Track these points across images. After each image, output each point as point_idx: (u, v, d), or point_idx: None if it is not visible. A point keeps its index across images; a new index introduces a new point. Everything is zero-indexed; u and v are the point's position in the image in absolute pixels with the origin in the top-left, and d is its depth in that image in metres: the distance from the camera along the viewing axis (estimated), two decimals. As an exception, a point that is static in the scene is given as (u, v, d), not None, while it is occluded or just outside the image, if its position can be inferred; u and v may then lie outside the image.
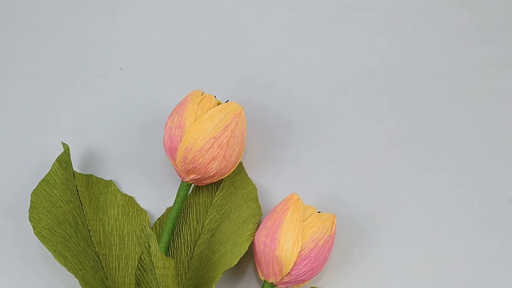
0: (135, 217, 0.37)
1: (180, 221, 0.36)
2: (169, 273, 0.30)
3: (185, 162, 0.34)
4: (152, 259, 0.31)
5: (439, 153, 0.38)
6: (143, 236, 0.31)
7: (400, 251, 0.36)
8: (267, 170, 0.38)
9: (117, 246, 0.36)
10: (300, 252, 0.31)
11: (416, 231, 0.36)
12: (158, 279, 0.30)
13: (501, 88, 0.39)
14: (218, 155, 0.33)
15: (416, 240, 0.36)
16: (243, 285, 0.35)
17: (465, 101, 0.39)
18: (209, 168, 0.34)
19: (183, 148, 0.33)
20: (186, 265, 0.35)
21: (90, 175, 0.37)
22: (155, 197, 0.38)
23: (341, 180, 0.37)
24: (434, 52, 0.40)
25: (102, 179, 0.37)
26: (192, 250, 0.35)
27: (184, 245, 0.36)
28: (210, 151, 0.33)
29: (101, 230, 0.36)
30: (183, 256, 0.35)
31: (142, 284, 0.32)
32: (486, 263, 0.35)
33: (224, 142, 0.33)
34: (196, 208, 0.37)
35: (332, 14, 0.41)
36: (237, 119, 0.34)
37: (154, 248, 0.30)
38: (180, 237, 0.36)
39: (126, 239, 0.36)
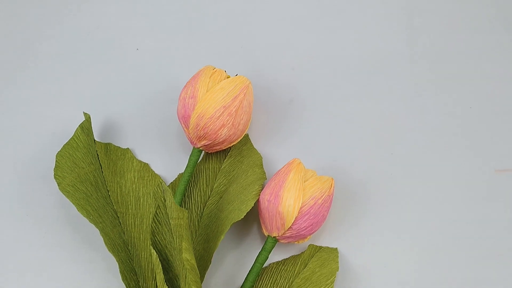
0: (149, 180, 0.40)
1: (191, 185, 0.39)
2: (182, 222, 0.33)
3: (197, 128, 0.37)
4: (168, 211, 0.34)
5: (430, 129, 0.41)
6: (159, 191, 0.34)
7: (391, 215, 0.39)
8: (271, 142, 0.41)
9: (133, 206, 0.39)
10: (301, 208, 0.35)
11: (407, 198, 0.39)
12: (173, 229, 0.34)
13: (488, 71, 0.43)
14: (228, 122, 0.37)
15: (406, 206, 0.39)
16: (248, 241, 0.38)
17: (454, 82, 0.42)
18: (219, 134, 0.37)
19: (196, 115, 0.37)
20: (196, 223, 0.38)
21: (108, 143, 0.41)
22: (168, 164, 0.41)
23: (339, 150, 0.41)
24: (428, 37, 0.44)
25: (119, 147, 0.41)
26: (201, 210, 0.39)
27: (194, 206, 0.39)
28: (220, 118, 0.37)
29: (118, 191, 0.39)
30: (193, 216, 0.39)
31: (157, 236, 0.35)
32: (472, 229, 0.39)
33: (233, 111, 0.37)
34: (206, 174, 0.40)
35: None
36: (245, 91, 0.37)
37: (169, 201, 0.34)
38: (191, 199, 0.39)
39: (142, 200, 0.39)
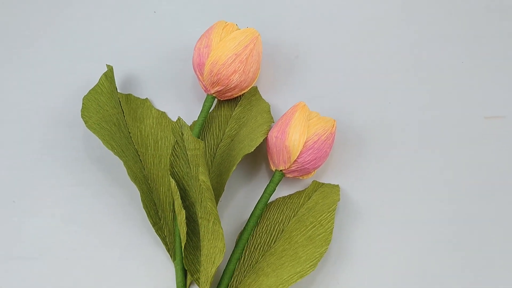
0: (166, 126, 0.43)
1: (205, 130, 0.43)
2: (199, 153, 0.36)
3: (211, 75, 0.40)
4: (185, 144, 0.37)
5: (423, 81, 0.45)
6: (178, 126, 0.38)
7: (388, 156, 0.42)
8: (278, 93, 0.45)
9: (152, 147, 0.42)
10: (305, 142, 0.38)
11: (402, 142, 0.43)
12: (190, 159, 0.37)
13: (478, 31, 0.46)
14: (239, 68, 0.40)
15: (402, 148, 0.43)
16: (257, 179, 0.41)
17: (447, 41, 0.46)
18: (231, 80, 0.41)
19: (210, 62, 0.40)
20: (210, 163, 0.42)
21: (129, 94, 0.44)
22: (183, 113, 0.44)
23: (341, 101, 0.44)
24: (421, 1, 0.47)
25: (139, 97, 0.44)
26: (214, 152, 0.42)
27: (208, 148, 0.42)
28: (232, 65, 0.40)
29: (138, 134, 0.42)
30: (207, 157, 0.42)
31: (175, 168, 0.38)
32: (462, 171, 0.42)
33: (244, 58, 0.40)
34: (218, 120, 0.43)
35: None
36: (255, 41, 0.41)
37: (186, 134, 0.37)
38: (205, 142, 0.43)
39: (160, 142, 0.43)
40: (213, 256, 0.35)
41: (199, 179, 0.36)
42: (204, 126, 0.43)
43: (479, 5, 0.47)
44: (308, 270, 0.36)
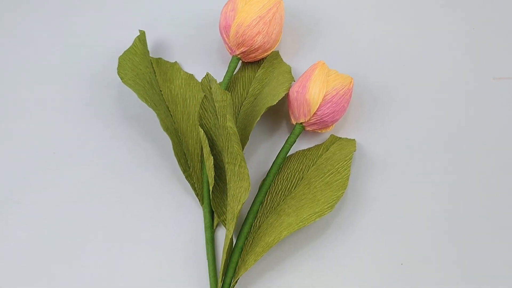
0: (194, 86, 0.46)
1: (230, 90, 0.46)
2: (226, 104, 0.39)
3: (237, 36, 0.44)
4: (213, 96, 0.40)
5: (436, 46, 0.48)
6: (206, 80, 0.41)
7: (402, 114, 0.45)
8: (298, 57, 0.48)
9: (181, 105, 0.45)
10: (324, 96, 0.41)
11: (415, 102, 0.46)
12: (217, 110, 0.40)
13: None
14: (262, 30, 0.43)
15: (415, 108, 0.45)
16: (278, 134, 0.44)
17: (460, 7, 0.49)
18: (255, 41, 0.44)
19: (236, 24, 0.43)
20: (235, 120, 0.45)
21: (159, 58, 0.48)
22: (210, 75, 0.48)
23: (358, 64, 0.47)
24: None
25: (168, 61, 0.48)
26: (239, 109, 0.45)
27: (233, 106, 0.45)
28: (256, 26, 0.43)
29: (168, 92, 0.46)
30: (235, 121, 0.45)
31: (203, 120, 0.41)
32: (468, 128, 0.45)
33: (268, 20, 0.43)
34: (242, 80, 0.46)
35: None
36: (278, 5, 0.44)
37: (214, 88, 0.40)
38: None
39: (188, 101, 0.46)
40: (239, 195, 0.38)
41: (226, 127, 0.39)
42: (229, 86, 0.46)
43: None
44: (326, 211, 0.39)
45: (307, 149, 0.43)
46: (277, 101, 0.42)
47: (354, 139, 0.43)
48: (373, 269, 0.40)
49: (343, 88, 0.42)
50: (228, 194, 0.40)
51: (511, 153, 0.43)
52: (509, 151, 0.44)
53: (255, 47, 0.44)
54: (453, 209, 0.42)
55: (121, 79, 0.43)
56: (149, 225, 0.42)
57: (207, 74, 0.40)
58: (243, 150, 0.42)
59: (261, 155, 0.44)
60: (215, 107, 0.41)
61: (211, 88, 0.41)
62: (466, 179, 0.43)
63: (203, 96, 0.41)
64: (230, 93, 0.40)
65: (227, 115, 0.39)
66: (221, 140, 0.41)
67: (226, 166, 0.40)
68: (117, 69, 0.44)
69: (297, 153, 0.43)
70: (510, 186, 0.43)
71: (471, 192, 0.42)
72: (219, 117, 0.41)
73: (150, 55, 0.48)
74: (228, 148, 0.40)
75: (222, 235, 0.41)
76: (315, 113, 0.41)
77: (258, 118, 0.42)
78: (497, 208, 0.42)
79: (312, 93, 0.41)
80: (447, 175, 0.43)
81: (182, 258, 0.40)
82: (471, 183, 0.43)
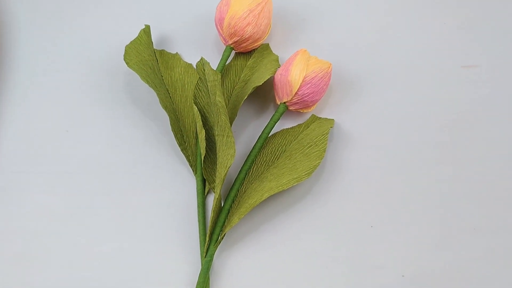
0: (192, 74, 0.52)
1: (223, 76, 0.51)
2: (216, 83, 0.45)
3: (229, 27, 0.49)
4: (206, 76, 0.46)
5: (408, 37, 0.53)
6: (201, 63, 0.46)
7: (378, 98, 0.50)
8: (286, 49, 0.53)
9: (180, 89, 0.51)
10: (304, 78, 0.46)
11: (391, 87, 0.50)
12: (209, 89, 0.45)
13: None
14: (252, 21, 0.49)
15: (391, 92, 0.50)
16: (265, 114, 0.50)
17: (431, 2, 0.54)
18: (245, 31, 0.49)
19: (229, 16, 0.49)
20: (227, 101, 0.50)
21: (162, 49, 0.53)
22: (206, 64, 0.53)
23: (338, 53, 0.52)
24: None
25: (170, 52, 0.53)
26: (231, 92, 0.50)
27: (225, 90, 0.51)
28: (246, 18, 0.49)
29: (169, 78, 0.51)
30: (225, 97, 0.50)
31: (198, 99, 0.47)
32: (438, 115, 0.49)
33: (257, 13, 0.49)
34: (234, 68, 0.52)
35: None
36: (266, 1, 0.50)
37: (207, 69, 0.46)
38: (223, 85, 0.51)
39: (186, 86, 0.51)
40: (226, 161, 0.43)
41: (216, 103, 0.44)
42: (222, 73, 0.51)
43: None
44: (304, 177, 0.43)
45: (290, 127, 0.48)
46: (263, 82, 0.47)
47: (333, 119, 0.48)
48: (346, 230, 0.45)
49: (321, 71, 0.47)
50: (217, 161, 0.45)
51: (476, 132, 0.48)
52: (474, 130, 0.48)
53: (246, 37, 0.50)
54: (419, 178, 0.46)
55: (127, 64, 0.49)
56: (149, 191, 0.47)
57: (201, 58, 0.46)
58: (232, 125, 0.47)
59: (249, 131, 0.49)
60: (208, 87, 0.46)
61: (204, 70, 0.46)
62: (433, 154, 0.47)
63: (198, 78, 0.47)
64: (221, 75, 0.46)
65: (217, 92, 0.44)
66: (212, 116, 0.46)
67: (216, 138, 0.45)
68: (124, 55, 0.50)
69: (282, 131, 0.48)
70: (476, 157, 0.47)
71: (436, 165, 0.47)
72: (210, 95, 0.46)
73: (154, 48, 0.54)
74: (218, 122, 0.45)
75: (212, 201, 0.46)
76: (296, 93, 0.46)
77: (246, 97, 0.47)
78: (461, 179, 0.46)
79: (293, 75, 0.46)
80: (415, 149, 0.47)
81: (177, 219, 0.45)
82: (437, 156, 0.47)
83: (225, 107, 0.43)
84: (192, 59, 0.54)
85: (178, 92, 0.51)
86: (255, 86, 0.47)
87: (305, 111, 0.48)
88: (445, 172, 0.47)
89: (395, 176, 0.47)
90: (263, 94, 0.51)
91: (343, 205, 0.46)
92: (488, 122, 0.49)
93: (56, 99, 0.52)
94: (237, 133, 0.49)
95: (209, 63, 0.46)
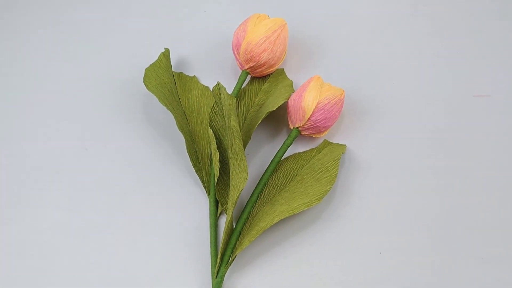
0: (209, 97, 0.53)
1: (238, 99, 0.53)
2: (232, 107, 0.46)
3: (246, 52, 0.51)
4: (221, 101, 0.47)
5: (421, 66, 0.54)
6: (217, 88, 0.47)
7: (389, 124, 0.51)
8: (300, 74, 0.54)
9: (196, 111, 0.52)
10: (317, 104, 0.47)
11: (403, 114, 0.51)
12: (225, 112, 0.47)
13: (471, 26, 0.55)
14: (268, 48, 0.50)
15: (402, 120, 0.51)
16: (278, 139, 0.51)
17: (444, 32, 0.55)
18: (261, 57, 0.50)
19: (245, 43, 0.50)
20: (241, 124, 0.51)
21: (180, 72, 0.55)
22: (223, 88, 0.55)
23: (352, 79, 0.53)
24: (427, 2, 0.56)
25: (188, 75, 0.55)
26: (245, 115, 0.52)
27: (240, 113, 0.52)
28: (262, 45, 0.50)
29: (186, 100, 0.53)
30: (239, 116, 0.51)
31: (213, 122, 0.48)
32: (450, 142, 0.50)
33: (273, 40, 0.50)
34: (250, 92, 0.53)
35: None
36: (282, 28, 0.51)
37: (223, 93, 0.47)
38: (238, 109, 0.52)
39: (203, 108, 0.52)
40: (238, 184, 0.44)
41: (231, 127, 0.46)
42: (238, 96, 0.53)
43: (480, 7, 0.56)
44: (314, 202, 0.44)
45: (303, 151, 0.49)
46: (276, 107, 0.49)
47: (344, 144, 0.49)
48: (355, 256, 0.45)
49: (334, 98, 0.48)
50: (230, 184, 0.46)
51: (486, 161, 0.49)
52: (485, 158, 0.49)
53: (261, 62, 0.51)
54: (428, 206, 0.47)
55: (146, 87, 0.50)
56: (163, 211, 0.48)
57: (218, 83, 0.47)
58: (245, 148, 0.48)
59: (262, 155, 0.50)
60: (223, 111, 0.47)
61: (220, 94, 0.47)
62: (443, 182, 0.48)
63: (213, 101, 0.48)
64: (236, 99, 0.47)
65: (232, 117, 0.45)
66: (227, 139, 0.47)
67: (230, 161, 0.46)
68: (143, 78, 0.51)
69: (294, 154, 0.49)
70: (484, 187, 0.47)
71: (446, 194, 0.47)
72: (226, 118, 0.47)
73: (173, 70, 0.56)
74: (232, 145, 0.46)
75: (224, 222, 0.47)
76: (309, 119, 0.47)
77: (260, 121, 0.48)
78: (471, 207, 0.47)
79: (307, 101, 0.47)
80: (425, 177, 0.48)
81: (189, 239, 0.46)
82: (447, 185, 0.48)
83: (239, 131, 0.45)
84: (209, 82, 0.55)
85: (194, 114, 0.52)
86: (269, 111, 0.48)
87: (317, 136, 0.49)
88: (455, 201, 0.47)
89: (405, 203, 0.47)
90: (277, 118, 0.52)
91: (352, 230, 0.46)
92: (500, 151, 0.50)
93: (76, 118, 0.54)
94: (251, 156, 0.50)
95: (225, 87, 0.47)
